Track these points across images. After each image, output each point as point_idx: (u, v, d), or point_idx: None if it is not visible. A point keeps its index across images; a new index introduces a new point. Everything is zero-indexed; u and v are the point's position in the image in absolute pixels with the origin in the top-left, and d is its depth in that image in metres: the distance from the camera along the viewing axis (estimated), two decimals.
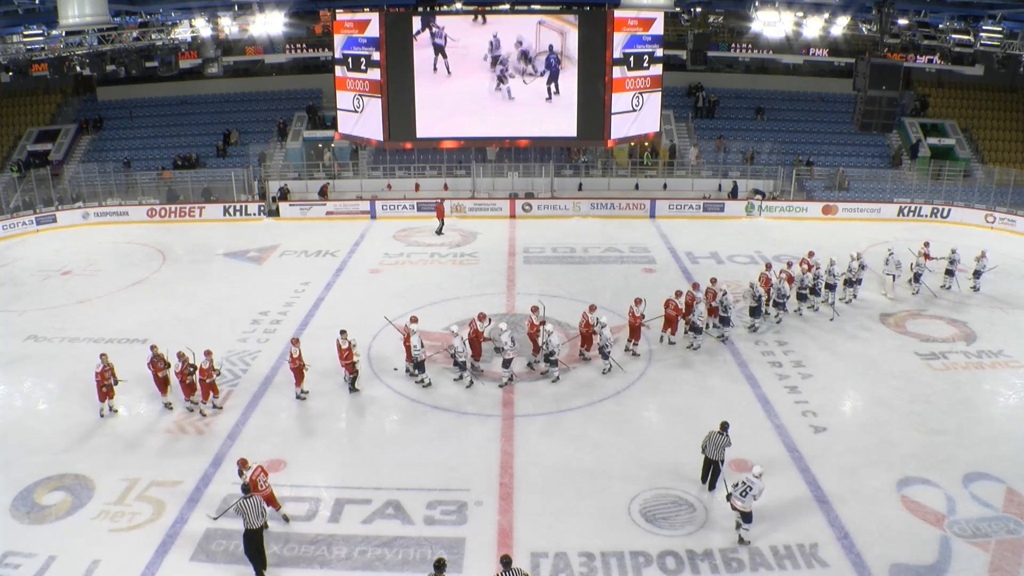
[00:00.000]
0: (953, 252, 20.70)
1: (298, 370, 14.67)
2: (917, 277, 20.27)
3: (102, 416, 14.16)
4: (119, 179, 30.23)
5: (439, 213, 27.44)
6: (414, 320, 15.69)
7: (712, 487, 11.83)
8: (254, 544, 9.90)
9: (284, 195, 30.01)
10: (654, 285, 20.54)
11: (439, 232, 27.00)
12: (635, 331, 16.54)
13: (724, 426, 11.79)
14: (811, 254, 19.95)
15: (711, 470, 11.83)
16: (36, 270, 23.46)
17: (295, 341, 14.95)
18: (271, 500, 10.95)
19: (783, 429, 13.61)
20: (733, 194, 30.22)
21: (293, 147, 32.74)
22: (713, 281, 18.02)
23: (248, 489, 10.26)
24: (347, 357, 14.83)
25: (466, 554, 10.47)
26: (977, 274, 20.50)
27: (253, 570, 10.02)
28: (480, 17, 22.29)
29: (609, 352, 15.60)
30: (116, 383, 14.24)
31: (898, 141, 33.09)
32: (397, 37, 22.04)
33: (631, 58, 22.76)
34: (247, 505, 9.85)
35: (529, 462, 12.66)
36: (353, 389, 15.08)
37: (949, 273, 20.60)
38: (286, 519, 11.13)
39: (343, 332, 15.01)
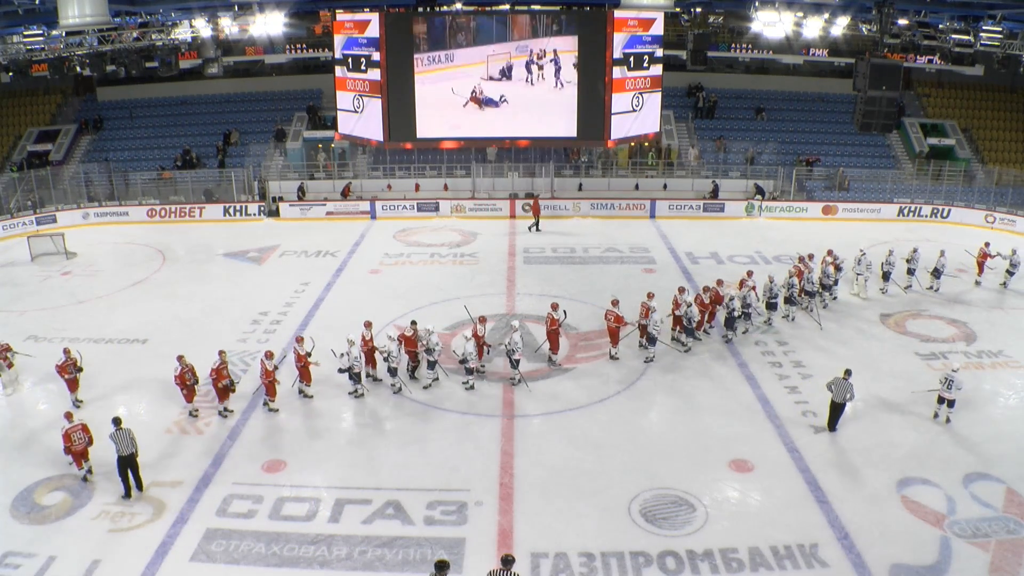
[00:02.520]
0: (914, 251, 20.68)
1: (369, 352, 15.21)
2: (887, 275, 20.22)
3: (192, 416, 14.10)
4: (118, 180, 30.22)
5: (535, 210, 27.50)
6: (483, 320, 15.99)
7: (833, 428, 13.44)
8: (124, 467, 11.57)
9: (302, 194, 30.15)
10: (654, 285, 20.51)
11: (534, 229, 27.19)
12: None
13: (848, 372, 13.43)
14: (830, 252, 20.05)
15: (835, 414, 13.40)
16: (36, 270, 23.47)
17: (368, 324, 15.36)
18: (80, 456, 12.04)
19: (783, 429, 13.61)
20: (714, 195, 30.02)
21: (293, 147, 32.73)
22: (749, 273, 18.00)
23: (118, 422, 11.68)
24: (411, 346, 15.30)
25: (466, 554, 10.47)
26: (937, 273, 20.47)
27: (123, 488, 11.60)
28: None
29: (518, 361, 15.22)
30: (197, 383, 14.19)
31: (899, 141, 33.13)
32: (397, 37, 22.06)
33: (631, 58, 22.79)
34: (117, 436, 11.48)
35: (529, 462, 12.66)
36: (412, 377, 15.56)
37: (910, 272, 20.54)
38: (85, 480, 12.08)
39: (413, 323, 15.60)
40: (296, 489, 11.95)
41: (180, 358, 14.08)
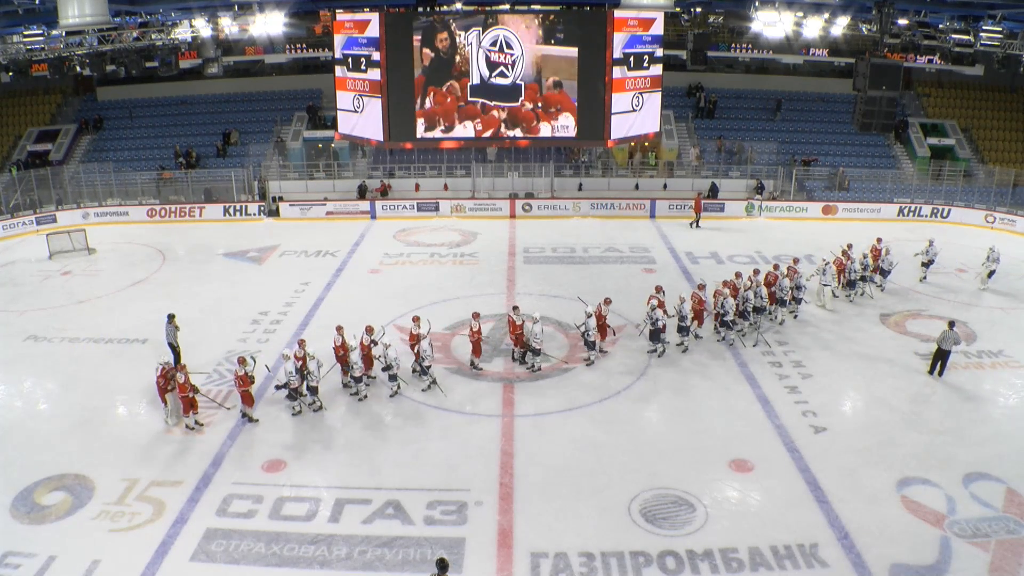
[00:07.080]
0: (864, 256, 20.44)
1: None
2: (852, 283, 19.86)
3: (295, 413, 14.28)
4: (118, 180, 30.21)
5: (696, 207, 27.92)
6: (607, 302, 16.63)
7: (940, 374, 15.17)
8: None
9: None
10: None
11: (694, 226, 27.81)
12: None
13: (951, 323, 15.34)
14: (850, 246, 20.26)
15: (940, 360, 15.07)
16: (36, 270, 23.47)
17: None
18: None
19: (783, 429, 13.61)
20: (712, 195, 29.98)
21: (294, 147, 32.74)
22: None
23: (171, 318, 15.78)
24: (517, 330, 15.70)
25: (466, 554, 10.47)
26: (884, 273, 20.38)
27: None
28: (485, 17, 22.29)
29: (429, 367, 14.89)
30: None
31: (899, 141, 33.15)
32: (397, 37, 22.05)
33: (631, 58, 22.74)
34: (167, 328, 15.59)
35: (529, 462, 12.66)
36: (522, 363, 16.04)
37: (864, 279, 20.22)
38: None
39: (515, 308, 16.19)
40: (296, 489, 11.95)
41: (303, 342, 14.42)
